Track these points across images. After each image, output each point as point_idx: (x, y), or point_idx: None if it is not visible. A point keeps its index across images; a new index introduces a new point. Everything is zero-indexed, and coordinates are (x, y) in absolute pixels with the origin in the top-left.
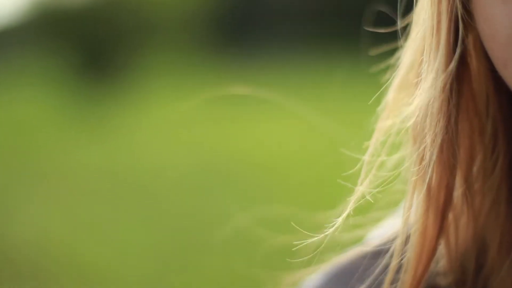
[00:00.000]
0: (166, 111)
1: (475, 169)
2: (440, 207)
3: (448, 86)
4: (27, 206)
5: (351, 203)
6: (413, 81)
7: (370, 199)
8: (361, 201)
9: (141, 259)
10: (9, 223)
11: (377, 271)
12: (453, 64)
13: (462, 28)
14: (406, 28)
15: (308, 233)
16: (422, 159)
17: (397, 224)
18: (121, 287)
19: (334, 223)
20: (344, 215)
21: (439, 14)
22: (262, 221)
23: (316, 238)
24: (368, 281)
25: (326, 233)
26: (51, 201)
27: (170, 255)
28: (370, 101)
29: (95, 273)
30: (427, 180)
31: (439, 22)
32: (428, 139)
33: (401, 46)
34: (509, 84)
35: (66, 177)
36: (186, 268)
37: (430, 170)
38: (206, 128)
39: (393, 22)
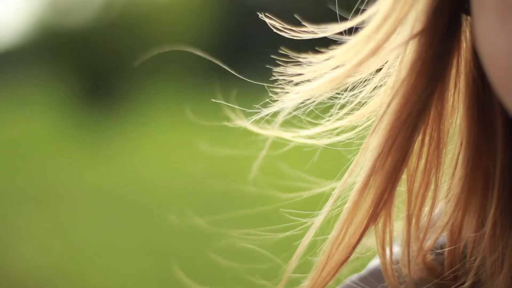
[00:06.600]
0: (165, 134)
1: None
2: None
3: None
4: (29, 228)
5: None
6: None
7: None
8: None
9: (145, 279)
10: (11, 244)
11: None
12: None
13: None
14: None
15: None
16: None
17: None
18: None
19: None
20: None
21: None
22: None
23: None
24: None
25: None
26: (52, 222)
27: (172, 276)
28: None
29: None
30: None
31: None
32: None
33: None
34: (509, 109)
35: (68, 198)
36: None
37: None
38: (202, 152)
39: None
